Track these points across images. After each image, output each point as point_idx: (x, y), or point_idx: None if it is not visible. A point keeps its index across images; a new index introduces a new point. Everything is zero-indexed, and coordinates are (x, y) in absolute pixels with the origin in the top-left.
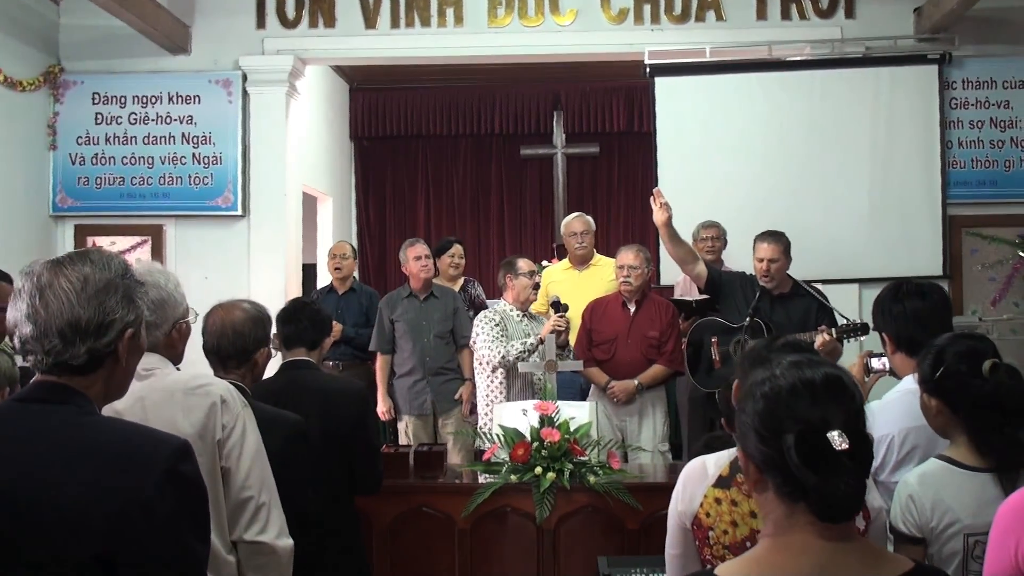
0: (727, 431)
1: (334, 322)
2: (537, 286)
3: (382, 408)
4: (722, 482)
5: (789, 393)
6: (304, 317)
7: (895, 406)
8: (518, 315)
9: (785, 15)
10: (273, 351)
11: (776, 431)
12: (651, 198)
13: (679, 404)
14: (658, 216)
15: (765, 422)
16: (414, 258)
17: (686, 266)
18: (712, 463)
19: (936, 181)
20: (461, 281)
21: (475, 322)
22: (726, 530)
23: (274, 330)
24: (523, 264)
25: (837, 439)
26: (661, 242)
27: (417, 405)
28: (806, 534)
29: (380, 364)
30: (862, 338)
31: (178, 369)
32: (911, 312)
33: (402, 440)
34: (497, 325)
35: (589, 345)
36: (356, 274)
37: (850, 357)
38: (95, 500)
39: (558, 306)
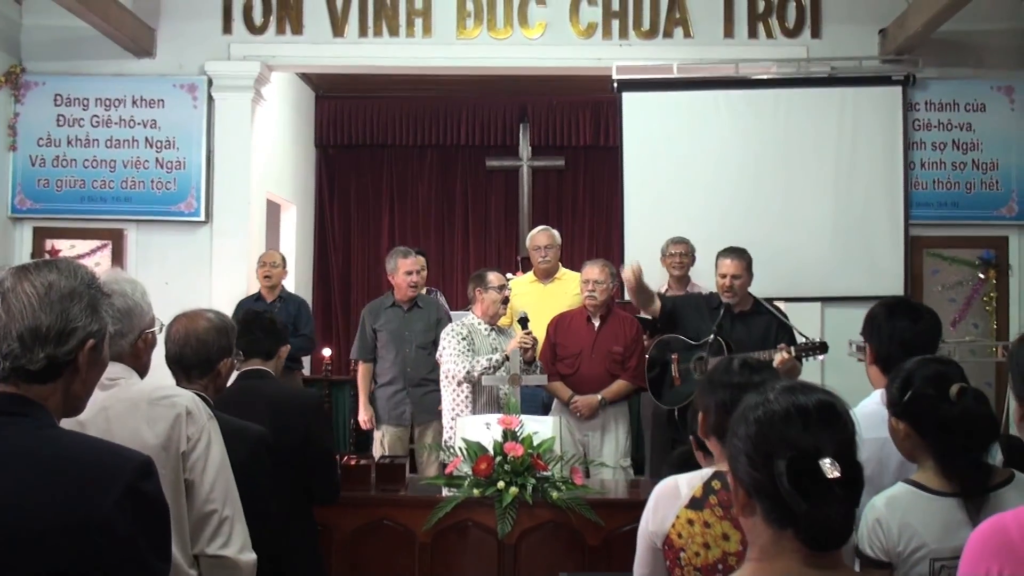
0: (695, 449)
1: None
2: (507, 300)
3: (363, 416)
4: (695, 503)
5: (782, 419)
6: (257, 328)
7: (865, 420)
8: (486, 329)
9: (752, 34)
10: (237, 362)
11: (767, 456)
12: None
13: (642, 419)
14: (629, 278)
15: (757, 446)
16: (404, 272)
17: (646, 308)
18: (685, 484)
19: (899, 201)
20: (423, 292)
21: (442, 335)
22: (698, 552)
23: None
24: (493, 278)
25: (829, 467)
26: (626, 261)
27: (396, 415)
28: (792, 561)
29: (362, 372)
30: (820, 357)
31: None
32: (897, 333)
33: (376, 449)
34: (464, 339)
35: (553, 359)
36: (290, 282)
37: (809, 375)
38: (53, 516)
39: (525, 322)
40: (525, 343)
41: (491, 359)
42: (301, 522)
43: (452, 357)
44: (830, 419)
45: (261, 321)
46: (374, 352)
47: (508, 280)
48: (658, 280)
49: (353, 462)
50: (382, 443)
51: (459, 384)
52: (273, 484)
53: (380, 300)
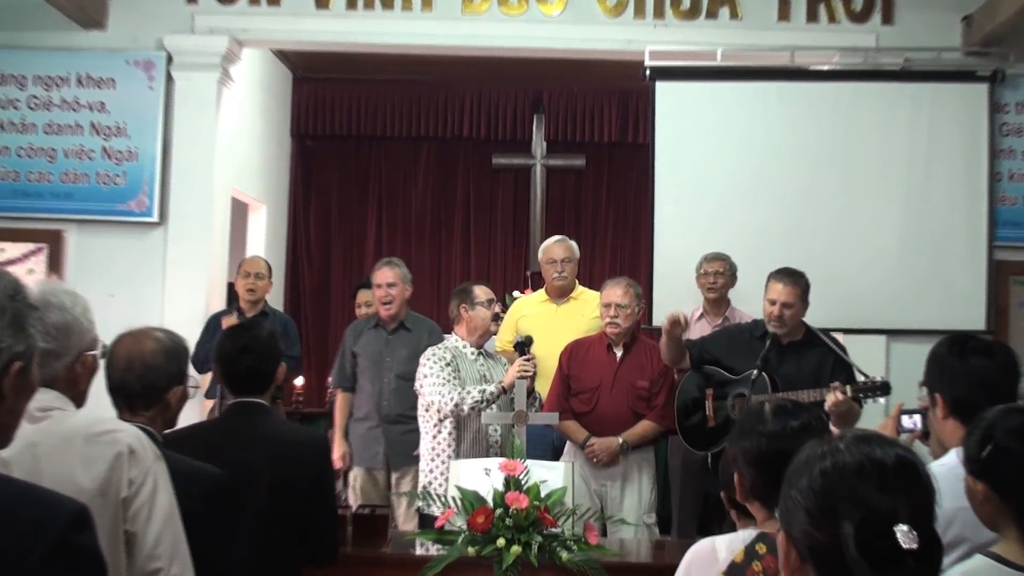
0: (727, 507)
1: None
2: (498, 317)
3: (337, 454)
4: (735, 570)
5: (855, 473)
6: (250, 354)
7: (940, 483)
8: (473, 353)
9: (811, 16)
10: (191, 392)
11: (833, 514)
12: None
13: (671, 468)
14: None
15: (821, 502)
16: (375, 285)
17: (677, 365)
18: (723, 546)
19: (981, 219)
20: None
21: (422, 360)
22: None
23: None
24: (480, 292)
25: (907, 535)
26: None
27: (368, 456)
28: None
29: (339, 403)
30: (881, 400)
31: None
32: (976, 373)
33: (350, 496)
34: (448, 365)
35: (566, 394)
36: (278, 297)
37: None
38: None
39: (523, 346)
40: (525, 371)
41: (484, 391)
42: None
43: (435, 386)
44: (910, 479)
45: (257, 343)
46: (354, 379)
47: (515, 298)
48: (691, 303)
49: None
50: (354, 488)
51: (441, 420)
52: (253, 535)
53: (364, 319)
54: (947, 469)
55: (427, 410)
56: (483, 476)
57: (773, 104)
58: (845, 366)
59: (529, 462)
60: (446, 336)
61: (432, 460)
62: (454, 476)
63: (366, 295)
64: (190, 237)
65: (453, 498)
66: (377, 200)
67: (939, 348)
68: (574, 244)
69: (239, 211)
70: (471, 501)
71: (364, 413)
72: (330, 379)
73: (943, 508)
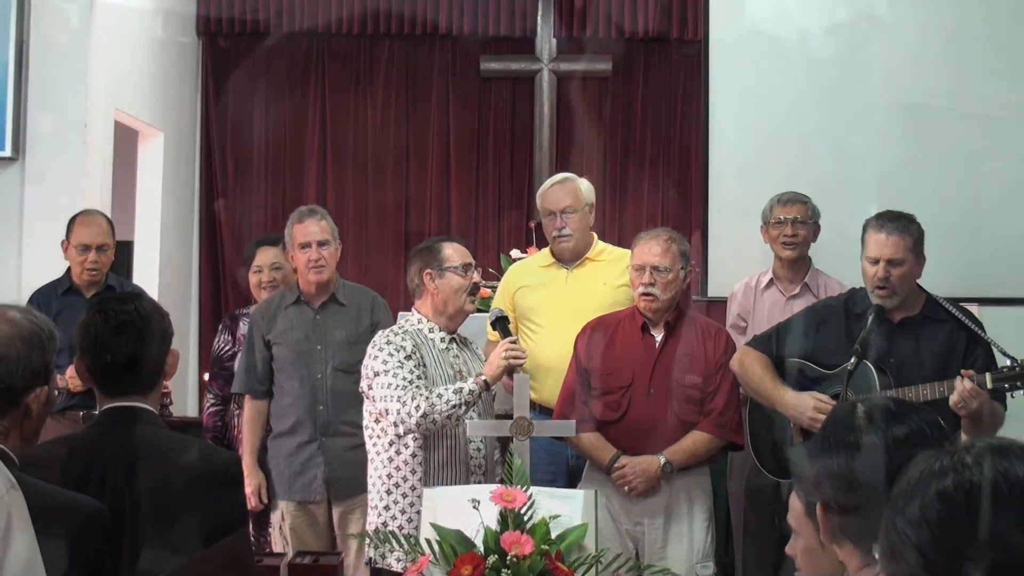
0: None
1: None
2: (476, 288)
3: (249, 488)
4: None
5: (987, 498)
6: (133, 333)
7: None
8: (443, 339)
9: None
10: (58, 393)
11: (955, 556)
12: None
13: (731, 498)
14: None
15: (938, 538)
16: (300, 245)
17: None
18: None
19: None
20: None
21: (370, 351)
22: None
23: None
24: (452, 252)
25: None
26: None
27: (301, 485)
28: None
29: (249, 414)
30: None
31: None
32: None
33: (276, 540)
34: (409, 357)
35: (585, 395)
36: (152, 258)
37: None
38: None
39: (501, 322)
40: (515, 356)
41: (461, 390)
42: None
43: (392, 390)
44: None
45: (140, 319)
46: (269, 380)
47: (513, 260)
48: (760, 265)
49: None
50: (281, 531)
51: (403, 435)
52: None
53: (277, 295)
54: None
55: (378, 421)
56: (469, 510)
57: None
58: (982, 347)
59: (534, 489)
60: (403, 314)
61: (388, 493)
62: (429, 509)
63: (269, 254)
64: (57, 177)
65: (427, 540)
66: (319, 122)
67: None
68: (584, 185)
69: (126, 140)
70: (452, 545)
71: (290, 425)
72: (234, 384)
73: None
